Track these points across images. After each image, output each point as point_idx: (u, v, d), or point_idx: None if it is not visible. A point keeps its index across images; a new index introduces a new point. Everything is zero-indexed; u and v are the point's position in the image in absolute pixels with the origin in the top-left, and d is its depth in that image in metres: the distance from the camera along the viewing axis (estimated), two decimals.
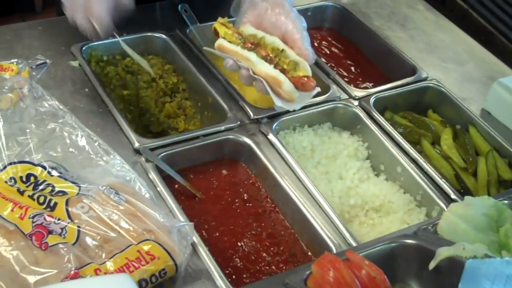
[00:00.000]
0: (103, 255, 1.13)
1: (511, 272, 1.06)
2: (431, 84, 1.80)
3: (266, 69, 1.37)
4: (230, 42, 1.43)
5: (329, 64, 1.83)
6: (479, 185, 1.60)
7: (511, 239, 1.27)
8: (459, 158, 1.63)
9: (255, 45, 1.41)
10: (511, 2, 2.43)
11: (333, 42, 2.00)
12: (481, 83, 1.89)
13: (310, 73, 1.38)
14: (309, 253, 1.38)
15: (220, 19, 1.48)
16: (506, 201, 1.39)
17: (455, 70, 1.92)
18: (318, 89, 1.38)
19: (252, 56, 1.39)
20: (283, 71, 1.37)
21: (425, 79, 1.81)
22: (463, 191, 1.58)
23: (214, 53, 1.47)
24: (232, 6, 1.63)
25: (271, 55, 1.39)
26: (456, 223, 1.27)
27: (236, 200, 1.45)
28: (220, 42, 1.44)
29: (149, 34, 1.79)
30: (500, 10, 2.39)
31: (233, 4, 1.64)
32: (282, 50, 1.39)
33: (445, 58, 1.96)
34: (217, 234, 1.37)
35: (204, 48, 1.54)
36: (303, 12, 1.99)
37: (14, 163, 1.26)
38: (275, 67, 1.37)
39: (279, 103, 1.37)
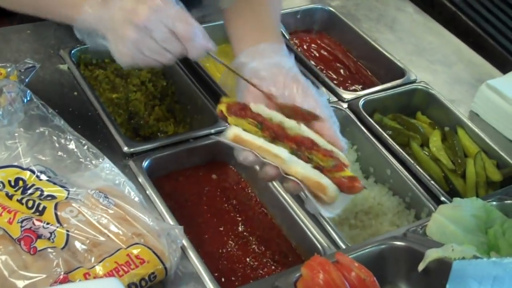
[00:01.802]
0: (92, 259, 1.12)
1: (498, 272, 1.06)
2: (419, 86, 1.81)
3: (304, 170, 1.14)
4: (245, 130, 1.18)
5: (318, 67, 1.84)
6: (467, 187, 1.61)
7: (499, 240, 1.28)
8: (448, 160, 1.64)
9: (279, 132, 1.18)
10: (499, 5, 2.45)
11: (322, 45, 2.00)
12: (470, 85, 1.90)
13: (349, 166, 1.19)
14: (299, 256, 1.38)
15: (225, 98, 1.23)
16: (494, 202, 1.39)
17: (444, 72, 1.93)
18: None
19: (283, 152, 1.15)
20: (320, 168, 1.16)
21: (413, 81, 1.82)
22: (452, 192, 1.58)
23: (226, 143, 1.21)
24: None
25: (305, 153, 1.16)
26: (445, 225, 1.28)
27: (226, 203, 1.45)
28: (236, 132, 1.18)
29: None
30: (488, 12, 2.40)
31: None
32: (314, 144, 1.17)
33: (434, 60, 1.97)
34: (207, 237, 1.37)
35: (218, 138, 1.24)
36: (292, 15, 2.00)
37: (3, 167, 1.26)
38: (308, 163, 1.16)
39: (325, 213, 1.17)
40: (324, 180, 1.14)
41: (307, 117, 1.22)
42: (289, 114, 1.22)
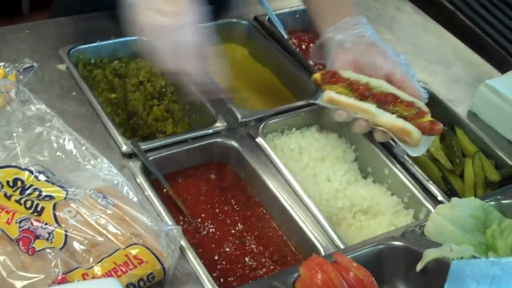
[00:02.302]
0: (91, 260, 1.12)
1: (496, 272, 1.06)
2: None
3: (390, 120, 1.38)
4: (338, 93, 1.42)
5: (316, 67, 1.84)
6: (466, 187, 1.61)
7: (498, 240, 1.28)
8: (446, 160, 1.64)
9: (366, 92, 1.40)
10: (498, 4, 2.45)
11: None
12: (468, 85, 1.90)
13: (429, 112, 1.41)
14: (297, 256, 1.38)
15: (320, 71, 1.48)
16: (492, 202, 1.40)
17: (442, 72, 1.94)
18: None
19: (371, 107, 1.39)
20: (404, 117, 1.39)
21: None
22: (450, 192, 1.59)
23: (323, 105, 1.47)
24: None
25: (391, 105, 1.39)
26: (443, 225, 1.28)
27: (225, 204, 1.46)
28: (330, 95, 1.43)
29: (137, 37, 1.78)
30: (487, 12, 2.41)
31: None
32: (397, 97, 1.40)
33: (432, 60, 1.98)
34: (205, 237, 1.37)
35: (317, 102, 1.51)
36: (291, 14, 2.00)
37: (1, 167, 1.26)
38: (393, 113, 1.39)
39: (412, 153, 1.42)
40: (408, 126, 1.37)
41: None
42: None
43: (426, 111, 1.41)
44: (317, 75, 1.48)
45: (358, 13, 1.60)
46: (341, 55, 1.50)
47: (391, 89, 1.42)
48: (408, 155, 1.50)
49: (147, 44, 1.34)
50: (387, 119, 1.39)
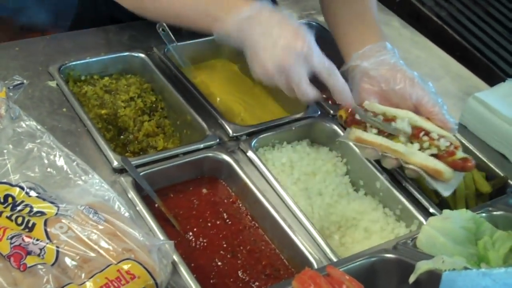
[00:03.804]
0: (83, 275, 1.12)
1: (487, 283, 1.06)
2: None
3: (421, 160, 1.35)
4: (365, 131, 1.39)
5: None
6: (457, 199, 1.61)
7: (489, 252, 1.28)
8: None
9: (394, 127, 1.36)
10: (485, 18, 2.47)
11: None
12: (457, 98, 1.91)
13: (460, 146, 1.38)
14: (290, 269, 1.38)
15: (344, 108, 1.43)
16: (484, 214, 1.40)
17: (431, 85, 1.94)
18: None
19: (401, 147, 1.35)
20: (435, 155, 1.35)
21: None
22: (442, 204, 1.59)
23: (345, 141, 1.48)
24: None
25: (422, 139, 1.36)
26: (435, 237, 1.28)
27: (217, 218, 1.45)
28: (357, 134, 1.40)
29: (127, 53, 1.79)
30: (475, 26, 2.43)
31: None
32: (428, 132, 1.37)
33: (421, 74, 1.96)
34: (198, 252, 1.37)
35: (340, 139, 1.50)
36: None
37: None
38: (421, 149, 1.35)
39: (444, 193, 1.39)
40: (440, 166, 1.34)
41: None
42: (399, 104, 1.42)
43: (457, 145, 1.38)
44: (342, 113, 1.45)
45: (383, 37, 1.57)
46: (366, 84, 1.47)
47: (420, 121, 1.38)
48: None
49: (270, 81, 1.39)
50: (417, 159, 1.36)
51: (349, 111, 1.43)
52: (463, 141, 1.71)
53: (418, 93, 1.41)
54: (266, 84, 1.42)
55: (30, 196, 1.24)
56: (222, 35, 1.45)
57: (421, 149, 1.37)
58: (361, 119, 1.41)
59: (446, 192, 1.39)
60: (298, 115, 1.69)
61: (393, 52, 1.53)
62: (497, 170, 1.65)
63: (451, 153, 1.36)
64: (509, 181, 1.63)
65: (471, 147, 1.70)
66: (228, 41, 1.46)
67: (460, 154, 1.37)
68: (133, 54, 1.79)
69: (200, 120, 1.61)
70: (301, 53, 1.35)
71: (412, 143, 1.38)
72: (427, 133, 1.37)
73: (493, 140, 1.75)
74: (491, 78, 2.04)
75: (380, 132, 1.40)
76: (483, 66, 2.22)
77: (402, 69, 1.46)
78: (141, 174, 1.43)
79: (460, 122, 1.81)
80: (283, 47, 1.35)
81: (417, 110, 1.41)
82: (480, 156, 1.68)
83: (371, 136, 1.38)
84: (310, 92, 1.38)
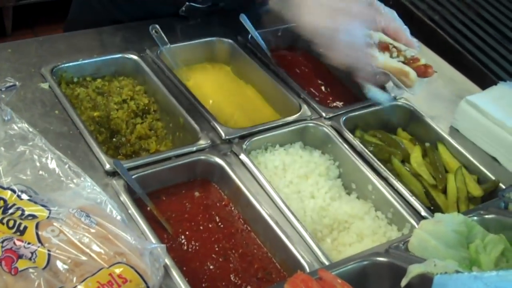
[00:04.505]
0: (74, 279, 1.11)
1: (479, 286, 1.07)
2: (400, 103, 1.83)
3: (391, 62, 1.63)
4: None
5: (299, 84, 1.84)
6: (449, 202, 1.62)
7: (481, 255, 1.29)
8: (429, 175, 1.65)
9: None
10: (477, 22, 2.48)
11: (304, 62, 2.01)
12: (450, 101, 1.92)
13: (422, 58, 1.66)
14: (282, 273, 1.38)
15: None
16: (475, 217, 1.40)
17: (424, 88, 1.94)
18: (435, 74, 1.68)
19: (376, 53, 1.62)
20: (402, 62, 1.64)
21: (394, 97, 1.83)
22: (433, 208, 1.59)
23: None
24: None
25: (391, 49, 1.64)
26: (427, 240, 1.28)
27: (209, 221, 1.45)
28: None
29: (120, 55, 1.79)
30: (467, 29, 2.43)
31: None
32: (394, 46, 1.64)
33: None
34: (190, 255, 1.37)
35: None
36: (273, 33, 2.01)
37: None
38: (391, 57, 1.64)
39: (409, 93, 1.68)
40: (406, 68, 1.63)
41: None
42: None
43: (420, 57, 1.66)
44: None
45: None
46: None
47: (389, 40, 1.65)
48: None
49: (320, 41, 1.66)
50: (388, 61, 1.63)
51: None
52: (455, 144, 1.72)
53: (386, 19, 1.67)
54: None
55: (21, 199, 1.24)
56: None
57: (391, 57, 1.65)
58: None
59: (410, 93, 1.69)
60: (290, 118, 1.69)
61: None
62: (488, 173, 1.66)
63: (415, 59, 1.65)
64: (501, 184, 1.63)
65: (462, 150, 1.71)
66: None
67: (423, 61, 1.66)
68: (126, 56, 1.79)
69: (192, 122, 1.60)
70: None
71: (384, 53, 1.65)
72: (394, 46, 1.65)
73: (485, 143, 1.75)
74: (484, 81, 2.05)
75: None
76: (475, 69, 2.22)
77: (373, 2, 1.69)
78: (133, 176, 1.42)
79: (452, 125, 1.81)
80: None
81: (385, 33, 1.66)
82: (472, 159, 1.69)
83: None
84: None
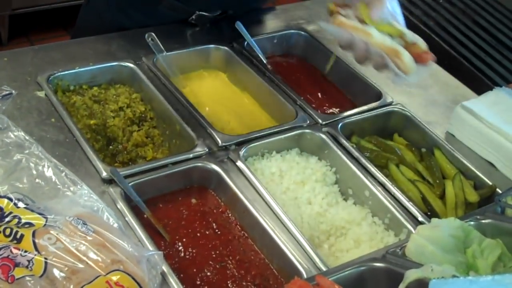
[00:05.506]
0: (71, 287, 1.11)
1: None
2: (396, 109, 1.83)
3: (385, 41, 1.56)
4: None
5: (295, 91, 1.85)
6: (447, 208, 1.62)
7: (478, 260, 1.29)
8: (426, 181, 1.65)
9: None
10: (473, 28, 2.49)
11: (300, 68, 2.02)
12: (445, 106, 1.92)
13: (425, 47, 1.59)
14: (279, 279, 1.38)
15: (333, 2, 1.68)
16: (472, 222, 1.40)
17: (420, 94, 1.96)
18: (434, 64, 1.63)
19: (373, 30, 1.57)
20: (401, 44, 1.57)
21: (390, 103, 1.84)
22: (430, 213, 1.60)
23: (327, 30, 1.71)
24: None
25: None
26: (424, 245, 1.28)
27: (206, 228, 1.45)
28: (341, 19, 1.62)
29: (116, 63, 1.79)
30: (462, 35, 2.44)
31: None
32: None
33: (410, 83, 1.99)
34: (187, 262, 1.36)
35: (321, 24, 1.73)
36: (269, 40, 2.02)
37: None
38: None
39: (404, 78, 1.57)
40: (400, 48, 1.55)
41: None
42: None
43: (421, 45, 1.59)
44: (331, 6, 1.67)
45: None
46: None
47: (393, 22, 1.61)
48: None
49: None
50: (383, 40, 1.56)
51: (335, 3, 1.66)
52: (451, 150, 1.72)
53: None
54: None
55: (18, 207, 1.24)
56: None
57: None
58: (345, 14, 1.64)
59: (406, 80, 1.60)
60: (287, 124, 1.69)
61: None
62: (485, 178, 1.66)
63: (415, 45, 1.58)
64: (498, 189, 1.64)
65: (459, 155, 1.71)
66: None
67: (422, 47, 1.59)
68: (122, 63, 1.79)
69: (189, 129, 1.61)
70: None
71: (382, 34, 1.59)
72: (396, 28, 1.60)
73: (481, 149, 1.76)
74: (479, 87, 2.05)
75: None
76: (471, 75, 2.23)
77: None
78: (130, 184, 1.42)
79: (448, 131, 1.82)
80: None
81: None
82: (468, 164, 1.69)
83: (351, 21, 1.60)
84: None
